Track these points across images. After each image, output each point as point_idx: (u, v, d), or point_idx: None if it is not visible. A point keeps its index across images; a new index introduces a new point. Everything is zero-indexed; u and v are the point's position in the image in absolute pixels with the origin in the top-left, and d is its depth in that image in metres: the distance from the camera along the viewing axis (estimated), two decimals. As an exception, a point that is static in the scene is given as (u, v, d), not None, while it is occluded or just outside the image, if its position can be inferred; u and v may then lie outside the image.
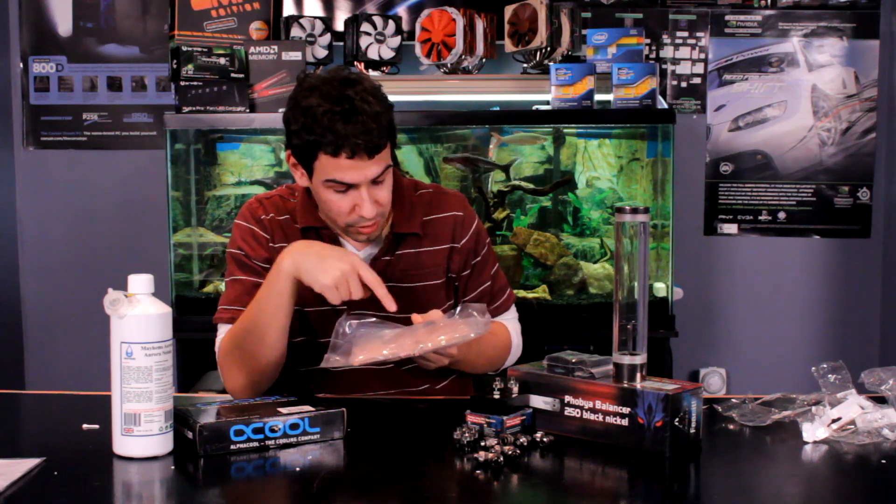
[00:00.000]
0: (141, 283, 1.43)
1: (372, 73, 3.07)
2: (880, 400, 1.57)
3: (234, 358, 1.76)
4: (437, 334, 1.59)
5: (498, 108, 3.17)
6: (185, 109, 2.89)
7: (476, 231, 1.95)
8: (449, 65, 3.03)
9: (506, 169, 3.11)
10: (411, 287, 1.85)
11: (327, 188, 1.73)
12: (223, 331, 1.83)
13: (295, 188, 1.90)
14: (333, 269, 1.63)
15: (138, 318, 1.41)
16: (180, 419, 1.46)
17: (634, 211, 1.48)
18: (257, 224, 1.86)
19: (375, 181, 1.73)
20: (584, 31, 3.09)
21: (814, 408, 1.58)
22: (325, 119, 1.67)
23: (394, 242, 1.87)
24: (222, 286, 2.88)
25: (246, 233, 1.86)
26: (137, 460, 1.41)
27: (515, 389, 1.55)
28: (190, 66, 2.88)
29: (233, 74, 2.90)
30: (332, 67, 1.78)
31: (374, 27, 3.05)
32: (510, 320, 2.00)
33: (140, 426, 1.41)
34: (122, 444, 1.42)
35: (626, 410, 1.45)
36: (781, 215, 3.45)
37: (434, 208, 1.92)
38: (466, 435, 1.46)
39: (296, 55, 2.95)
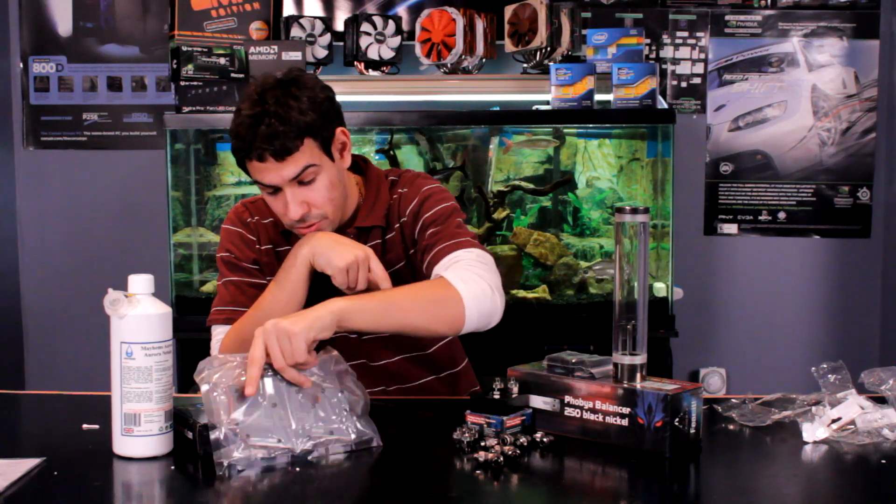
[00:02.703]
0: (141, 283, 1.44)
1: (372, 72, 3.07)
2: (880, 400, 1.57)
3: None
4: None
5: (498, 108, 3.17)
6: (185, 109, 2.89)
7: (422, 196, 1.85)
8: (449, 65, 3.03)
9: (452, 170, 3.11)
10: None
11: (262, 190, 1.76)
12: (220, 331, 1.84)
13: None
14: (348, 254, 1.65)
15: (138, 318, 1.41)
16: (180, 419, 1.46)
17: (634, 211, 1.48)
18: (244, 227, 1.89)
19: (302, 182, 1.72)
20: (584, 31, 3.09)
21: (814, 408, 1.58)
22: (237, 128, 1.71)
23: (359, 236, 1.84)
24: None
25: (234, 236, 1.89)
26: (137, 460, 1.41)
27: (515, 389, 1.55)
28: (190, 66, 2.88)
29: (233, 74, 2.90)
30: (285, 70, 1.79)
31: (374, 27, 3.05)
32: (462, 262, 1.74)
33: (140, 426, 1.41)
34: (122, 445, 1.42)
35: (626, 410, 1.45)
36: (781, 215, 3.45)
37: (393, 195, 1.88)
38: (466, 435, 1.46)
39: (296, 55, 2.95)
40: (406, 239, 1.86)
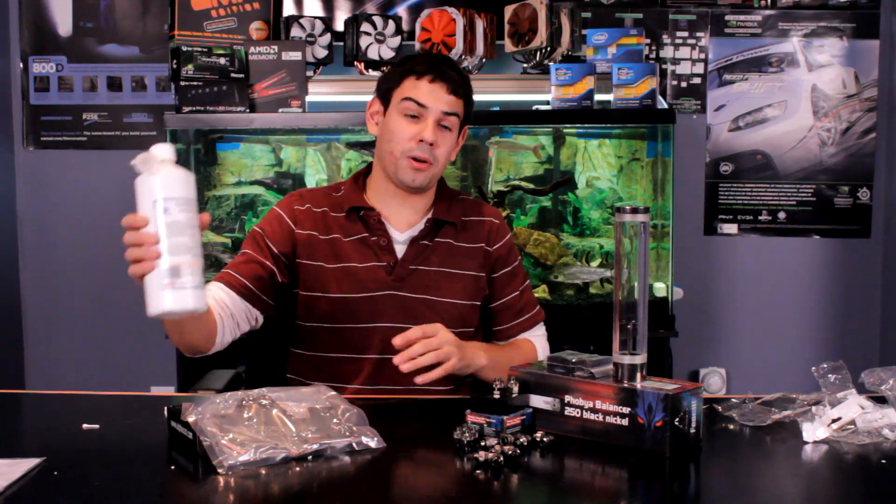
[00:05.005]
0: (166, 150, 1.44)
1: (372, 72, 3.07)
2: (880, 400, 1.57)
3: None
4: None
5: (498, 108, 3.17)
6: (185, 109, 2.89)
7: (508, 243, 2.05)
8: (449, 65, 3.03)
9: None
10: (449, 273, 1.95)
11: (399, 114, 1.90)
12: (213, 285, 1.93)
13: (342, 184, 2.02)
14: None
15: (171, 175, 1.42)
16: (180, 419, 1.46)
17: (634, 211, 1.48)
18: (288, 212, 1.97)
19: (442, 125, 1.90)
20: (584, 31, 3.09)
21: (814, 408, 1.58)
22: (421, 53, 1.95)
23: (434, 228, 1.96)
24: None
25: (274, 216, 1.98)
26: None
27: (515, 389, 1.55)
28: (190, 66, 2.88)
29: (233, 74, 2.90)
30: None
31: (374, 27, 3.05)
32: (538, 336, 2.07)
33: (181, 278, 1.41)
34: (163, 300, 1.41)
35: (626, 410, 1.45)
36: (781, 215, 3.45)
37: (473, 211, 2.04)
38: (466, 435, 1.46)
39: (296, 55, 2.95)
40: (484, 265, 2.01)
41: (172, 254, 1.41)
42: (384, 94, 1.95)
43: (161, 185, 1.42)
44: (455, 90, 1.91)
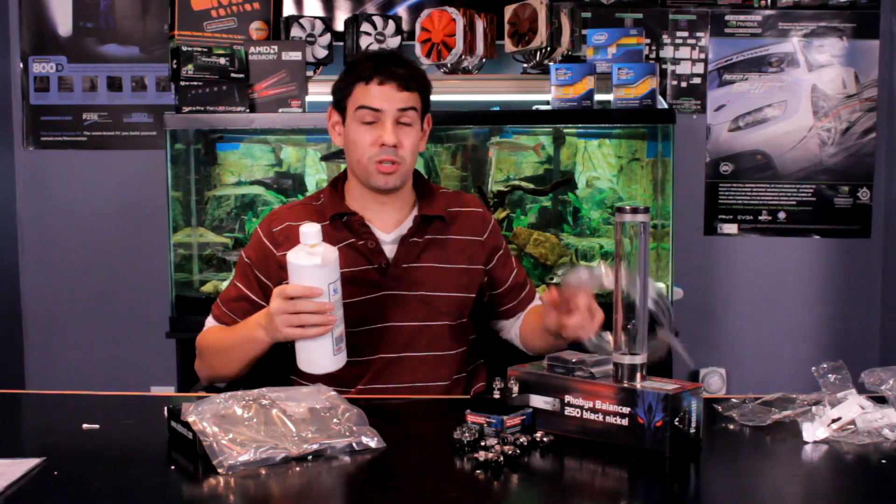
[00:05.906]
0: (316, 232, 1.63)
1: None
2: (880, 400, 1.57)
3: (202, 356, 1.94)
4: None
5: (498, 108, 3.17)
6: (185, 109, 2.89)
7: (495, 227, 2.09)
8: (449, 65, 3.03)
9: None
10: (442, 268, 1.96)
11: (356, 122, 1.89)
12: (209, 322, 1.98)
13: (321, 192, 2.01)
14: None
15: (335, 260, 1.64)
16: (180, 419, 1.46)
17: (634, 211, 1.48)
18: (268, 236, 1.96)
19: (401, 122, 1.89)
20: (584, 31, 3.09)
21: (814, 408, 1.58)
22: (366, 54, 1.91)
23: (422, 225, 1.96)
24: (222, 286, 2.89)
25: (257, 243, 1.97)
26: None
27: (515, 389, 1.55)
28: (190, 66, 2.88)
29: (233, 74, 2.90)
30: None
31: (374, 27, 3.05)
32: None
33: (342, 344, 1.68)
34: (331, 362, 1.68)
35: (626, 410, 1.45)
36: (781, 215, 3.45)
37: (456, 202, 2.05)
38: (466, 435, 1.46)
39: (296, 55, 2.95)
40: (480, 257, 2.03)
41: (338, 325, 1.66)
42: (338, 104, 1.94)
43: (333, 271, 1.64)
44: (407, 86, 1.89)
